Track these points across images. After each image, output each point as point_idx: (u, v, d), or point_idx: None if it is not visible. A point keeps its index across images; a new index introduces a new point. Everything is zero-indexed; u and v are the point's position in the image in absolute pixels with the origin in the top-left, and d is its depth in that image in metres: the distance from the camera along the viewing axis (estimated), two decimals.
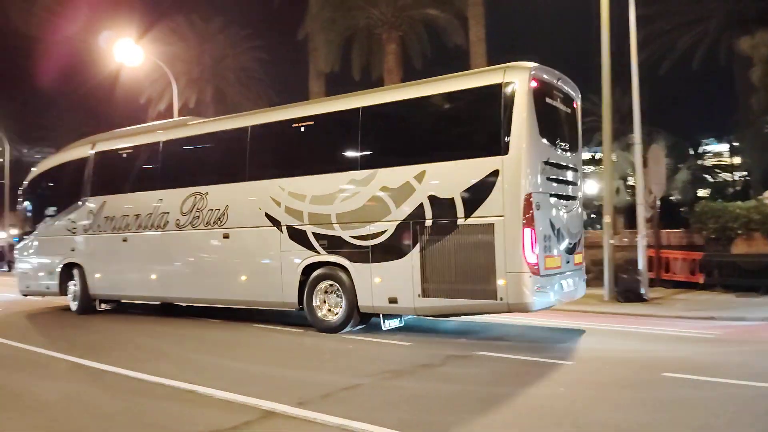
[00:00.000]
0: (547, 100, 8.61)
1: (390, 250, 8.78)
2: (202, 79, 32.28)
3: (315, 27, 24.77)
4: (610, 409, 5.39)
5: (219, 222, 10.65)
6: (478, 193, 8.11)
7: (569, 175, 9.08)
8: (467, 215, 8.18)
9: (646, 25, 20.21)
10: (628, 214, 24.72)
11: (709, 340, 9.01)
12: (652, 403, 5.53)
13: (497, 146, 8.02)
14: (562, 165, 8.84)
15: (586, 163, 45.23)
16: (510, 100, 8.02)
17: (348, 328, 9.29)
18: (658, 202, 15.50)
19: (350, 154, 9.48)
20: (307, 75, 26.34)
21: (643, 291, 13.09)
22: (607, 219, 13.82)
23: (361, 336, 9.12)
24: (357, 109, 9.46)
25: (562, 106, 9.06)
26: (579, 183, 9.45)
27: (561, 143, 8.89)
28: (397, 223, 8.72)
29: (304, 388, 6.18)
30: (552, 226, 8.34)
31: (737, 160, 38.43)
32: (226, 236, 10.57)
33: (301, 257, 9.62)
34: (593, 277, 16.25)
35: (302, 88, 26.24)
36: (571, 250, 8.92)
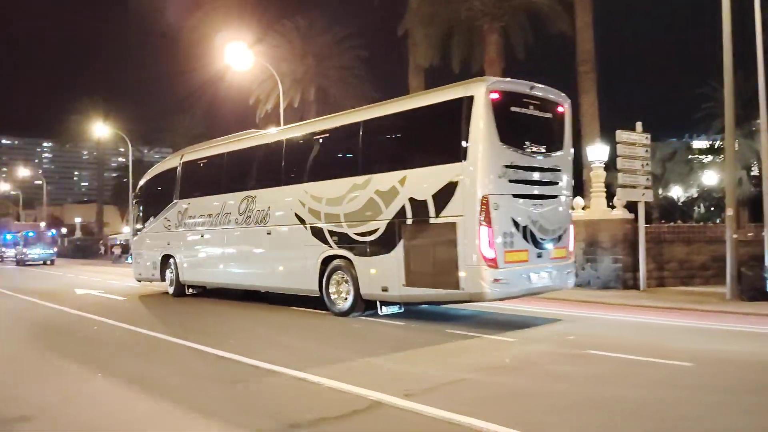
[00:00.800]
0: (513, 108, 9.28)
1: (382, 245, 9.96)
2: (305, 78, 33.26)
3: (415, 22, 24.82)
4: (734, 414, 5.04)
5: (264, 221, 12.41)
6: (444, 195, 9.06)
7: (542, 176, 9.57)
8: (437, 215, 9.16)
9: None
10: (752, 207, 22.92)
11: None
12: None
13: (459, 153, 8.91)
14: (533, 167, 9.36)
15: (702, 152, 42.57)
16: (469, 112, 8.87)
17: (356, 313, 10.55)
18: None
19: (354, 161, 10.86)
20: (407, 71, 26.48)
21: None
22: (729, 212, 12.88)
23: (463, 330, 9.12)
24: (358, 123, 10.84)
25: (537, 113, 9.62)
26: (561, 182, 9.87)
27: (533, 147, 9.41)
28: (387, 221, 9.87)
29: (409, 380, 6.23)
30: (515, 223, 9.00)
31: None
32: (268, 233, 12.30)
33: (320, 251, 11.06)
34: (713, 274, 15.30)
35: (402, 84, 26.46)
36: (544, 245, 9.40)
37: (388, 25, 27.69)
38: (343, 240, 10.65)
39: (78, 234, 57.97)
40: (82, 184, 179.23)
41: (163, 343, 8.90)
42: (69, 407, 5.60)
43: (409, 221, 9.54)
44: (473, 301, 9.41)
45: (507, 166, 8.93)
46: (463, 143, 8.86)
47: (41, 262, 38.18)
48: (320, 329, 9.95)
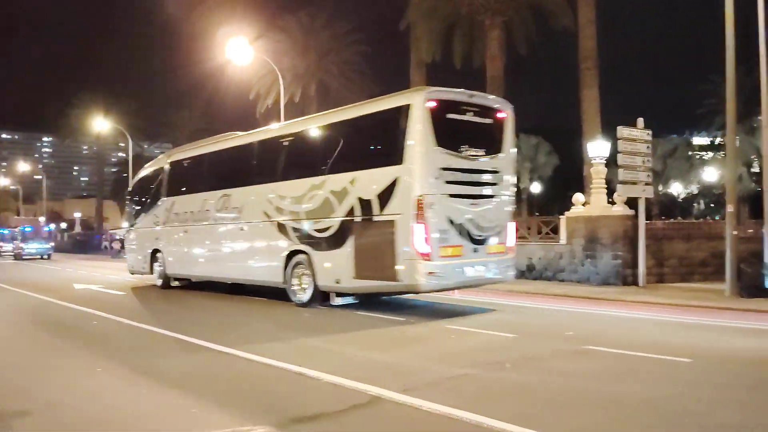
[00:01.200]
0: (450, 115, 9.89)
1: (335, 241, 10.70)
2: (307, 73, 33.19)
3: (417, 16, 24.75)
4: (735, 410, 5.04)
5: (238, 218, 13.22)
6: (386, 195, 9.78)
7: (480, 177, 10.21)
8: (380, 213, 9.88)
9: None
10: (752, 203, 22.86)
11: None
12: None
13: (399, 157, 9.61)
14: (470, 169, 10.01)
15: (703, 148, 42.58)
16: (407, 118, 9.54)
17: (315, 304, 11.23)
18: None
19: (312, 163, 11.45)
20: (408, 66, 26.41)
21: None
22: (729, 208, 12.85)
23: (464, 327, 9.13)
24: (317, 127, 11.85)
25: (476, 119, 10.23)
26: (500, 183, 10.45)
27: (470, 151, 10.02)
28: (340, 219, 10.60)
29: (409, 375, 6.22)
30: (450, 221, 9.65)
31: None
32: (242, 229, 13.14)
33: (284, 246, 11.84)
34: (713, 271, 15.28)
35: (403, 79, 26.36)
36: (480, 241, 10.06)
37: (390, 20, 27.67)
38: (303, 236, 11.42)
39: (78, 229, 57.97)
40: (82, 179, 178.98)
41: (160, 337, 8.89)
42: (69, 401, 5.59)
43: (358, 219, 10.27)
44: (410, 292, 10.19)
45: (443, 169, 9.59)
46: (403, 147, 9.55)
47: (38, 257, 38.24)
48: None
